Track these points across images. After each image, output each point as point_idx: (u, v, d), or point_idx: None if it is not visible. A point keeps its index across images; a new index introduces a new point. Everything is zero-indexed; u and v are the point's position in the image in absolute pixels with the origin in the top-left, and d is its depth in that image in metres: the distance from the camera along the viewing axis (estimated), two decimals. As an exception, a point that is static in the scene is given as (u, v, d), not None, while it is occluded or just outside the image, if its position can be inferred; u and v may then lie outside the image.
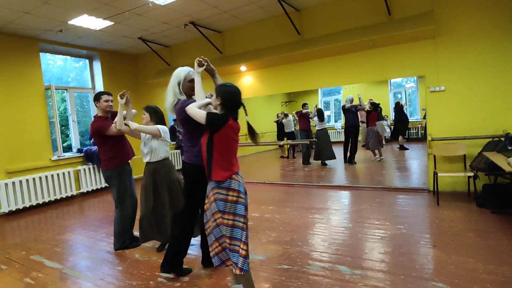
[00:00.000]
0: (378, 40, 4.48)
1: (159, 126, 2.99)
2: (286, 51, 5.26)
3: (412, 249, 2.76)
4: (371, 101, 7.61)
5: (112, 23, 5.15)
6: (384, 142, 9.10)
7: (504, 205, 3.57)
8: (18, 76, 5.38)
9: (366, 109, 7.48)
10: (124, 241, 3.28)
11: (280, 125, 9.65)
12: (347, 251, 2.81)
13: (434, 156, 4.31)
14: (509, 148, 3.72)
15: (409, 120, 9.58)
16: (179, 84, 2.38)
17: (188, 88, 2.39)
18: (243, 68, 5.92)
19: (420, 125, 10.45)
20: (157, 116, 3.12)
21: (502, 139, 3.90)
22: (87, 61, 6.87)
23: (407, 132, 9.23)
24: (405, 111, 9.17)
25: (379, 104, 7.74)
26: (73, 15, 4.72)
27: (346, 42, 4.65)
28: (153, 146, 3.02)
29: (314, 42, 5.06)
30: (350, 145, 7.35)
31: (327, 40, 4.90)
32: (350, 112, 7.26)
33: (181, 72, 2.40)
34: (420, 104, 9.68)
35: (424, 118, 8.73)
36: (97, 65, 6.81)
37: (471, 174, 3.83)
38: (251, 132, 2.08)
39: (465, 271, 2.32)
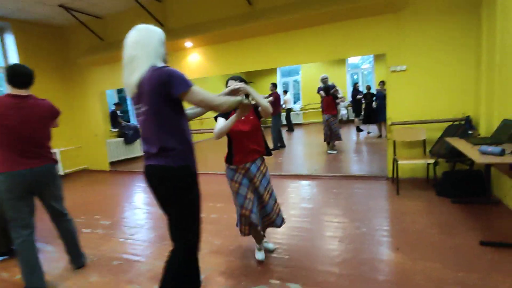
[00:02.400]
0: (337, 12, 3.99)
1: None
2: (235, 24, 4.61)
3: (374, 254, 2.39)
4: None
5: (17, -18, 4.10)
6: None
7: (463, 193, 3.38)
8: None
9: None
10: None
11: None
12: (300, 262, 2.37)
13: (394, 142, 4.03)
14: (470, 132, 3.51)
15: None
16: (162, 46, 1.59)
17: (164, 54, 1.62)
18: (188, 43, 5.17)
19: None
20: None
21: (463, 122, 3.69)
22: (-4, 33, 5.64)
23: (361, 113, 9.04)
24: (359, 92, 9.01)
25: (333, 86, 6.92)
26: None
27: (303, 13, 4.11)
28: None
29: (266, 14, 4.45)
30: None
31: (282, 11, 4.32)
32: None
33: (156, 28, 1.61)
34: (376, 86, 9.56)
35: (364, 96, 8.52)
36: (9, 39, 5.61)
37: (432, 161, 3.59)
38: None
39: (433, 281, 1.98)
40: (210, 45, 5.21)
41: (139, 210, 3.99)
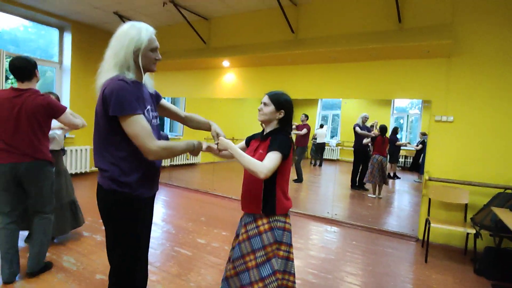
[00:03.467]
0: (383, 50, 3.71)
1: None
2: (275, 49, 4.49)
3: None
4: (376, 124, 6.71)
5: (79, -13, 4.39)
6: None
7: (507, 277, 2.80)
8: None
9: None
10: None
11: None
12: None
13: (430, 199, 3.53)
14: (525, 205, 2.96)
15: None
16: (136, 53, 1.35)
17: (149, 60, 1.41)
18: (225, 63, 5.15)
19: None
20: None
21: (516, 192, 3.14)
22: (57, 31, 6.09)
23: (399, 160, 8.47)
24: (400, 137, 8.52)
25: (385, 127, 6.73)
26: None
27: (346, 47, 3.88)
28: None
29: (308, 43, 4.30)
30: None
31: (324, 42, 4.14)
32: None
33: (141, 31, 1.36)
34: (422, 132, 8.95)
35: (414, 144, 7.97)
36: (67, 38, 6.02)
37: (473, 231, 3.05)
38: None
39: None
40: (247, 67, 5.16)
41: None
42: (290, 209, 1.66)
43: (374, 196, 5.95)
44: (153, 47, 1.40)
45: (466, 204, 3.38)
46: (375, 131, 6.35)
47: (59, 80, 6.10)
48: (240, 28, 5.12)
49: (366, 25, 4.02)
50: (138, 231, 1.46)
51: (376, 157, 6.00)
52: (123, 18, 5.53)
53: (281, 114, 1.63)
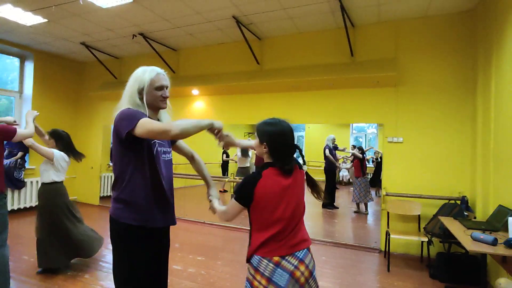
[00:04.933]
0: (339, 80, 4.16)
1: (54, 151, 3.06)
2: (243, 79, 4.81)
3: None
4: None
5: (45, 20, 4.42)
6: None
7: (458, 279, 3.16)
8: None
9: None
10: None
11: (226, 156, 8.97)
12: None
13: (388, 213, 3.90)
14: (465, 214, 3.39)
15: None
16: (140, 92, 1.51)
17: (154, 98, 1.53)
18: (195, 91, 5.37)
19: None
20: (62, 142, 3.17)
21: (458, 202, 3.59)
22: (17, 60, 5.95)
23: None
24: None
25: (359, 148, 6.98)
26: (-7, 2, 3.95)
27: (306, 78, 4.29)
28: (40, 168, 3.11)
29: (273, 74, 4.66)
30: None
31: (287, 73, 4.53)
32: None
33: (145, 73, 1.53)
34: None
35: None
36: (29, 67, 5.90)
37: (425, 239, 3.43)
38: (312, 185, 1.62)
39: None
40: (216, 95, 5.40)
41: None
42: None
43: (364, 212, 6.44)
44: (157, 85, 1.52)
45: (419, 215, 3.78)
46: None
47: (19, 109, 5.89)
48: (208, 59, 5.39)
49: (323, 58, 4.48)
50: (134, 262, 1.47)
51: (360, 179, 6.37)
52: (90, 49, 5.58)
53: (265, 148, 1.45)
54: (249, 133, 11.36)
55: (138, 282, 1.48)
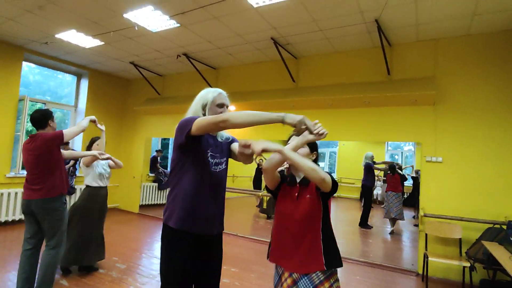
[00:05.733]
0: (375, 98, 4.18)
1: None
2: (279, 96, 4.97)
3: None
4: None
5: (102, 43, 4.92)
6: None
7: (504, 309, 2.99)
8: (-8, 83, 5.04)
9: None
10: None
11: (259, 170, 8.98)
12: None
13: (426, 235, 3.78)
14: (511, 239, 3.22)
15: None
16: (203, 108, 1.70)
17: (215, 114, 1.67)
18: (232, 108, 5.60)
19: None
20: None
21: (504, 227, 3.41)
22: (74, 77, 6.60)
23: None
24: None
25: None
26: (60, 28, 4.49)
27: (341, 96, 4.36)
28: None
29: (308, 92, 4.78)
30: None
31: (322, 91, 4.63)
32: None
33: (208, 93, 1.72)
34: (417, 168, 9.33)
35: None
36: (84, 84, 6.52)
37: (467, 264, 3.28)
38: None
39: None
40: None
41: (156, 260, 4.01)
42: None
43: (392, 228, 6.28)
44: (218, 103, 1.70)
45: (460, 239, 3.63)
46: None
47: (73, 122, 6.48)
48: (246, 77, 5.64)
49: (359, 76, 4.54)
50: (170, 261, 1.58)
51: (392, 194, 6.24)
52: (137, 67, 6.06)
53: (313, 156, 1.62)
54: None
55: (173, 279, 1.58)
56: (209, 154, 1.68)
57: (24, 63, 5.53)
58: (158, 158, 8.09)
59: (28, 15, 4.06)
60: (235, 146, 1.79)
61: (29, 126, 6.23)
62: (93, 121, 3.00)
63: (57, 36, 4.73)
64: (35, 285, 2.59)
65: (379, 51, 4.24)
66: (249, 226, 6.66)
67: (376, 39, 4.11)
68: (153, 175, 7.96)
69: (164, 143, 9.59)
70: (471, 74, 3.86)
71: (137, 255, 4.15)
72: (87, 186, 3.35)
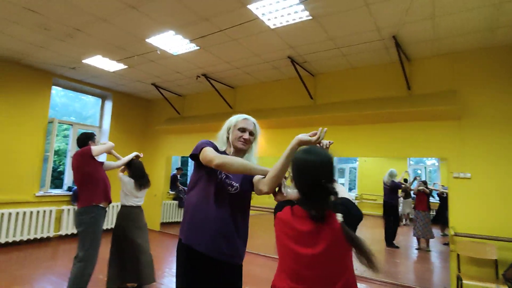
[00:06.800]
0: (395, 114, 4.10)
1: (122, 176, 3.61)
2: (297, 114, 4.98)
3: None
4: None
5: (126, 66, 5.14)
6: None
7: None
8: (24, 106, 5.33)
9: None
10: None
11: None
12: None
13: (458, 255, 3.59)
14: (554, 261, 3.00)
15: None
16: (228, 131, 1.82)
17: (235, 137, 1.77)
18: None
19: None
20: (130, 169, 3.58)
21: (544, 247, 3.19)
22: (99, 99, 6.89)
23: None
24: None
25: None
26: (87, 54, 4.74)
27: (360, 112, 4.31)
28: None
29: (326, 109, 4.76)
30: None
31: (340, 107, 4.59)
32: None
33: (233, 118, 1.86)
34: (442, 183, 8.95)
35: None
36: (108, 105, 6.79)
37: (505, 287, 3.07)
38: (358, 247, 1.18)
39: None
40: (270, 129, 5.61)
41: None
42: None
43: (426, 249, 6.11)
44: (240, 127, 1.78)
45: (496, 260, 3.42)
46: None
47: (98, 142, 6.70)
48: (263, 95, 5.70)
49: (377, 92, 4.49)
50: (185, 280, 1.60)
51: (422, 213, 6.11)
52: (159, 88, 6.27)
53: (290, 177, 1.49)
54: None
55: None
56: (223, 173, 1.71)
57: (52, 87, 5.84)
58: (178, 176, 8.19)
59: (58, 42, 4.32)
60: (257, 179, 1.69)
61: (56, 146, 6.51)
62: (137, 157, 3.61)
63: (84, 61, 4.99)
64: None
65: (397, 66, 4.20)
66: (271, 244, 6.54)
67: (394, 54, 4.08)
68: (173, 192, 8.05)
69: (183, 160, 9.73)
70: (497, 86, 3.73)
71: (157, 273, 4.15)
72: (124, 205, 3.59)
